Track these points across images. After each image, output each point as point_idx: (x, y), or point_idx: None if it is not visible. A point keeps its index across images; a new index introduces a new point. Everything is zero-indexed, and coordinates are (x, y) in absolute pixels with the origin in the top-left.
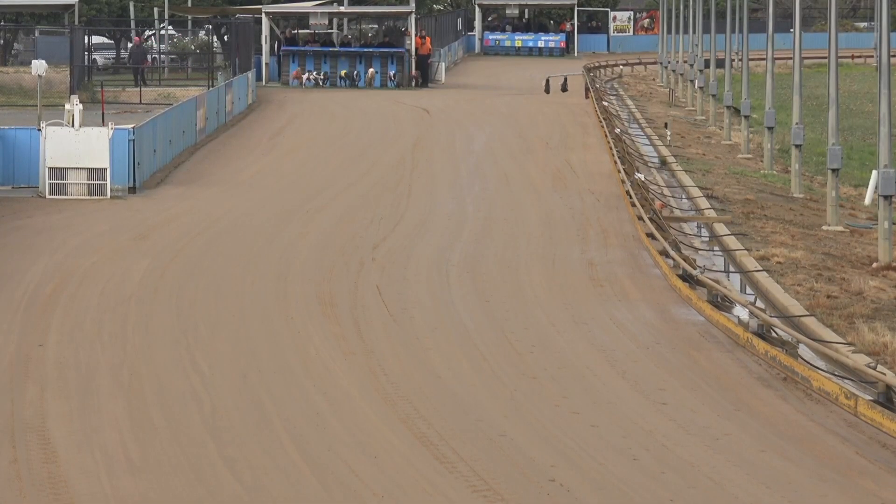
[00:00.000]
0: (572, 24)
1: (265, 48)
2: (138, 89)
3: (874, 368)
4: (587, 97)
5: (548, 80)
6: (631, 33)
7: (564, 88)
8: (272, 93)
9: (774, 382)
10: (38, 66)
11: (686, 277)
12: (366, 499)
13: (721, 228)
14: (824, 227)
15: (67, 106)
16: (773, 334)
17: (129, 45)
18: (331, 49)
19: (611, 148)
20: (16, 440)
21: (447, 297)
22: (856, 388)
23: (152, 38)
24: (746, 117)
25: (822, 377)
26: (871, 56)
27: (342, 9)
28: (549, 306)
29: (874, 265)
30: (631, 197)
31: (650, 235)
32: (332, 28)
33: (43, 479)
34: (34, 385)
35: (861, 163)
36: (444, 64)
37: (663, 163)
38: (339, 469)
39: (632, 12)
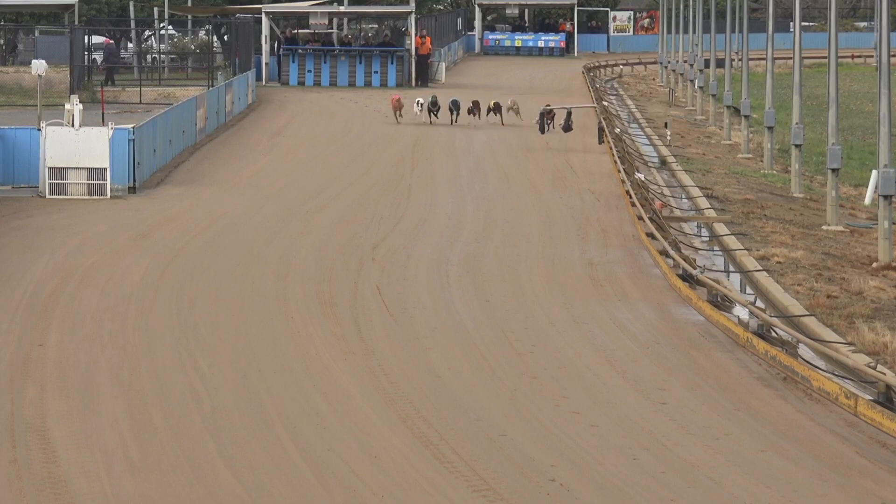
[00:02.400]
0: (572, 24)
1: (265, 48)
2: (137, 89)
3: (874, 368)
4: (602, 141)
5: (542, 115)
6: (631, 33)
7: (568, 127)
8: (272, 93)
9: (774, 382)
10: (38, 65)
11: (686, 277)
12: (366, 499)
13: (721, 228)
14: (824, 227)
15: (67, 106)
16: (773, 334)
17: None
18: (331, 49)
19: (611, 148)
20: (16, 440)
21: (447, 296)
22: (856, 387)
23: (152, 37)
24: (746, 117)
25: (822, 377)
26: (871, 56)
27: (342, 9)
28: (549, 306)
29: (874, 265)
30: (631, 197)
31: (650, 235)
32: (332, 28)
33: (43, 479)
34: (34, 385)
35: (861, 163)
36: (444, 64)
37: (663, 163)
38: (339, 469)
39: (632, 12)
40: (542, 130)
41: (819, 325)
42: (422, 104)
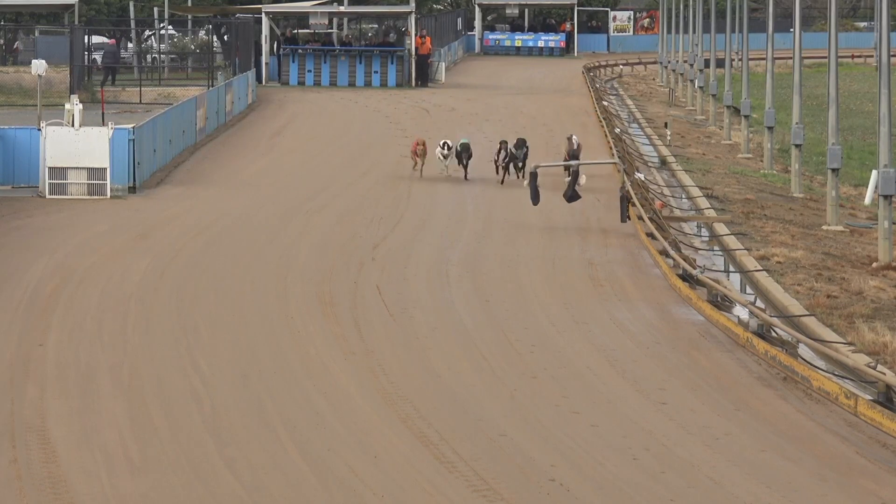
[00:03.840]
0: (572, 24)
1: (265, 48)
2: (137, 89)
3: (874, 368)
4: (627, 217)
5: (534, 175)
6: (631, 33)
7: (573, 195)
8: (272, 93)
9: (774, 382)
10: (38, 65)
11: (686, 277)
12: (366, 499)
13: (721, 228)
14: (824, 227)
15: (67, 106)
16: (773, 334)
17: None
18: (331, 49)
19: (611, 148)
20: (16, 440)
21: (447, 296)
22: (856, 387)
23: (152, 37)
24: (746, 117)
25: (822, 377)
26: (871, 56)
27: (342, 9)
28: (549, 306)
29: (874, 265)
30: (631, 197)
31: (650, 235)
32: (332, 28)
33: (43, 479)
34: (34, 385)
35: (861, 162)
36: (443, 64)
37: (663, 162)
38: (339, 469)
39: (632, 12)
40: (536, 198)
41: (819, 325)
42: (449, 147)
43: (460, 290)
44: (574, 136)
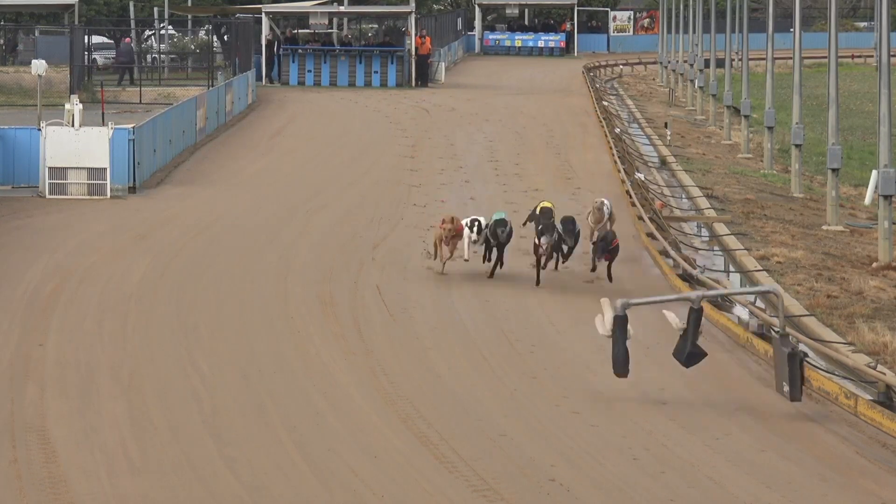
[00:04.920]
0: (572, 24)
1: (264, 48)
2: (138, 89)
3: (874, 368)
4: (799, 394)
5: (623, 320)
6: (631, 33)
7: (692, 351)
8: (272, 93)
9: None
10: (38, 65)
11: (686, 277)
12: (366, 499)
13: (721, 228)
14: (824, 227)
15: (67, 106)
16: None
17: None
18: (331, 49)
19: (611, 147)
20: (16, 440)
21: (447, 297)
22: (856, 387)
23: (152, 37)
24: (746, 117)
25: (822, 377)
26: (871, 56)
27: (342, 9)
28: (549, 306)
29: (874, 265)
30: (631, 197)
31: (650, 235)
32: (332, 28)
33: (43, 479)
34: (34, 385)
35: (861, 162)
36: (443, 64)
37: (663, 162)
38: (339, 469)
39: (632, 12)
40: (626, 364)
41: (819, 325)
42: (481, 227)
43: (460, 291)
44: (606, 203)
